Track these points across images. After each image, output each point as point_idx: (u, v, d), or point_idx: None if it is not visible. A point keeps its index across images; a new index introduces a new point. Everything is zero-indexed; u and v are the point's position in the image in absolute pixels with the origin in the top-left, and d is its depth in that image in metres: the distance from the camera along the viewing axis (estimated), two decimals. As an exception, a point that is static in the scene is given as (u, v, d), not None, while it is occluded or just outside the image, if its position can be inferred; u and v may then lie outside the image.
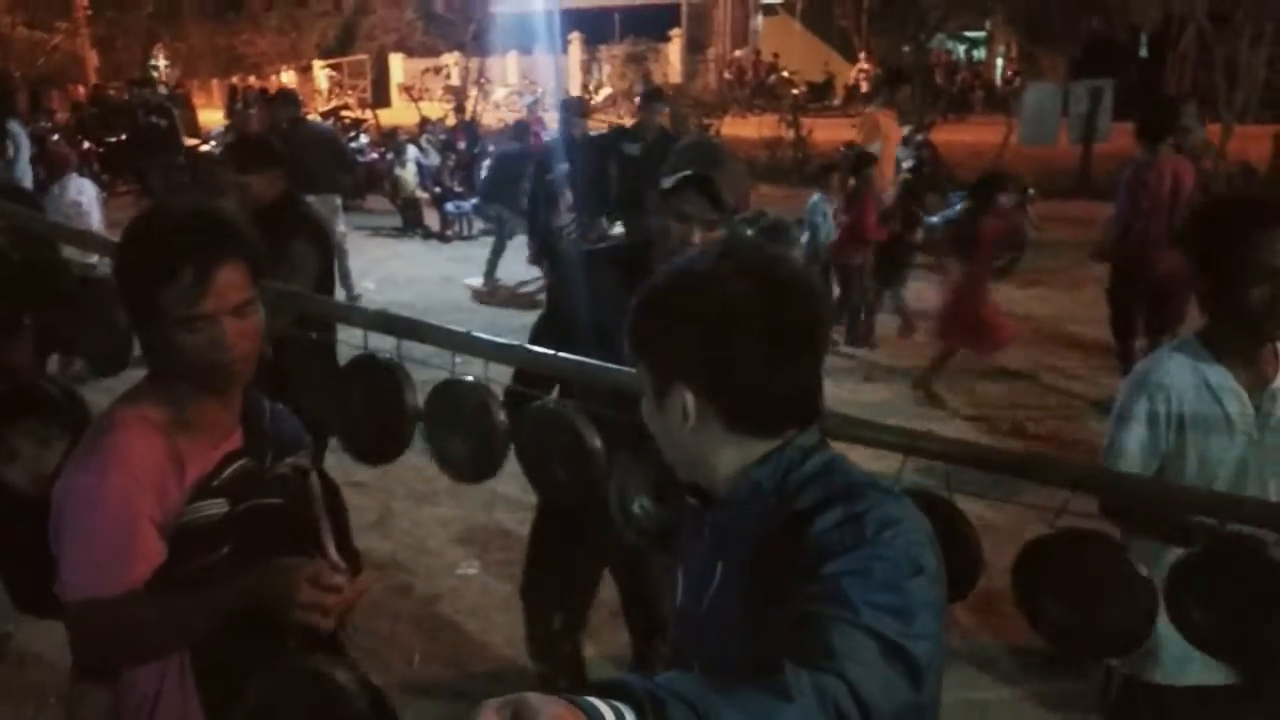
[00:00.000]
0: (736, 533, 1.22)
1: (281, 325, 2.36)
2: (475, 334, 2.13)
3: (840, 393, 6.07)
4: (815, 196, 7.71)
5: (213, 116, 19.69)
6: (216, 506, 1.64)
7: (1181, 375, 2.07)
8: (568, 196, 7.70)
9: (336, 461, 2.56)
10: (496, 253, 9.70)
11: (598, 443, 2.00)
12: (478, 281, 9.71)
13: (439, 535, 4.59)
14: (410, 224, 12.18)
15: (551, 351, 2.09)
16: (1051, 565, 1.55)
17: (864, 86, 24.21)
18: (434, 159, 13.24)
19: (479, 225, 12.39)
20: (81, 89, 19.90)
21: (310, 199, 7.92)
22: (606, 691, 0.82)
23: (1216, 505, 1.53)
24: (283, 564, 1.56)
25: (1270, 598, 1.45)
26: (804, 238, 7.35)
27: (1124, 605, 1.55)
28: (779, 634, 1.03)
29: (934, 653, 1.06)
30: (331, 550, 1.59)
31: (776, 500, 1.19)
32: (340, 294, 8.59)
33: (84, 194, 6.53)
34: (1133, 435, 2.09)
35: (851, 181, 7.51)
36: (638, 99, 10.36)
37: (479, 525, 4.61)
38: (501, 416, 2.12)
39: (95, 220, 5.93)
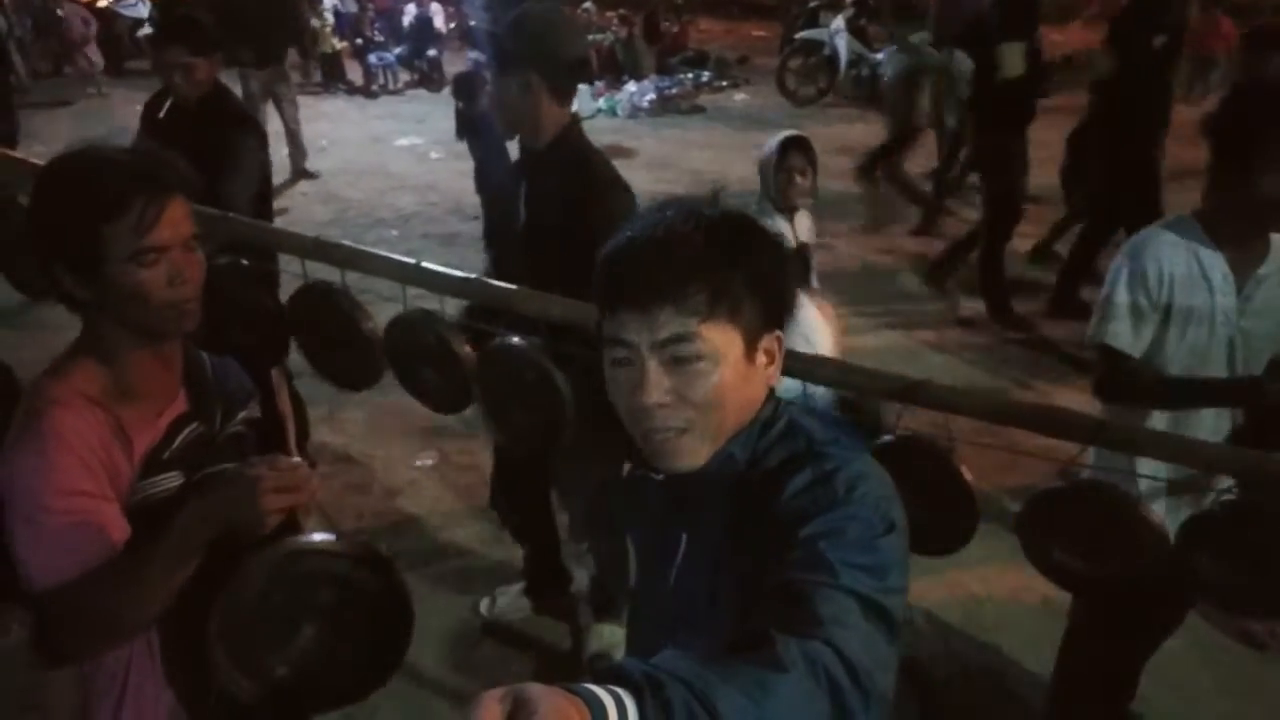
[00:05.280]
0: (700, 502, 1.21)
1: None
2: (426, 265, 1.98)
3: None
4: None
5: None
6: (171, 480, 1.54)
7: (1174, 258, 2.05)
8: None
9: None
10: None
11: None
12: (408, 141, 9.31)
13: (393, 425, 4.47)
14: (332, 80, 11.55)
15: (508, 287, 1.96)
16: (1062, 518, 1.52)
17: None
18: (351, 6, 12.45)
19: (405, 77, 11.83)
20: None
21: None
22: (603, 677, 0.81)
23: (1238, 462, 1.50)
24: (230, 478, 1.43)
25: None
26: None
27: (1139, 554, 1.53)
28: (757, 600, 1.03)
29: (903, 606, 1.08)
30: (293, 450, 1.52)
31: (745, 468, 1.18)
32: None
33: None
34: (1121, 326, 2.08)
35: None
36: None
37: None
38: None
39: None
